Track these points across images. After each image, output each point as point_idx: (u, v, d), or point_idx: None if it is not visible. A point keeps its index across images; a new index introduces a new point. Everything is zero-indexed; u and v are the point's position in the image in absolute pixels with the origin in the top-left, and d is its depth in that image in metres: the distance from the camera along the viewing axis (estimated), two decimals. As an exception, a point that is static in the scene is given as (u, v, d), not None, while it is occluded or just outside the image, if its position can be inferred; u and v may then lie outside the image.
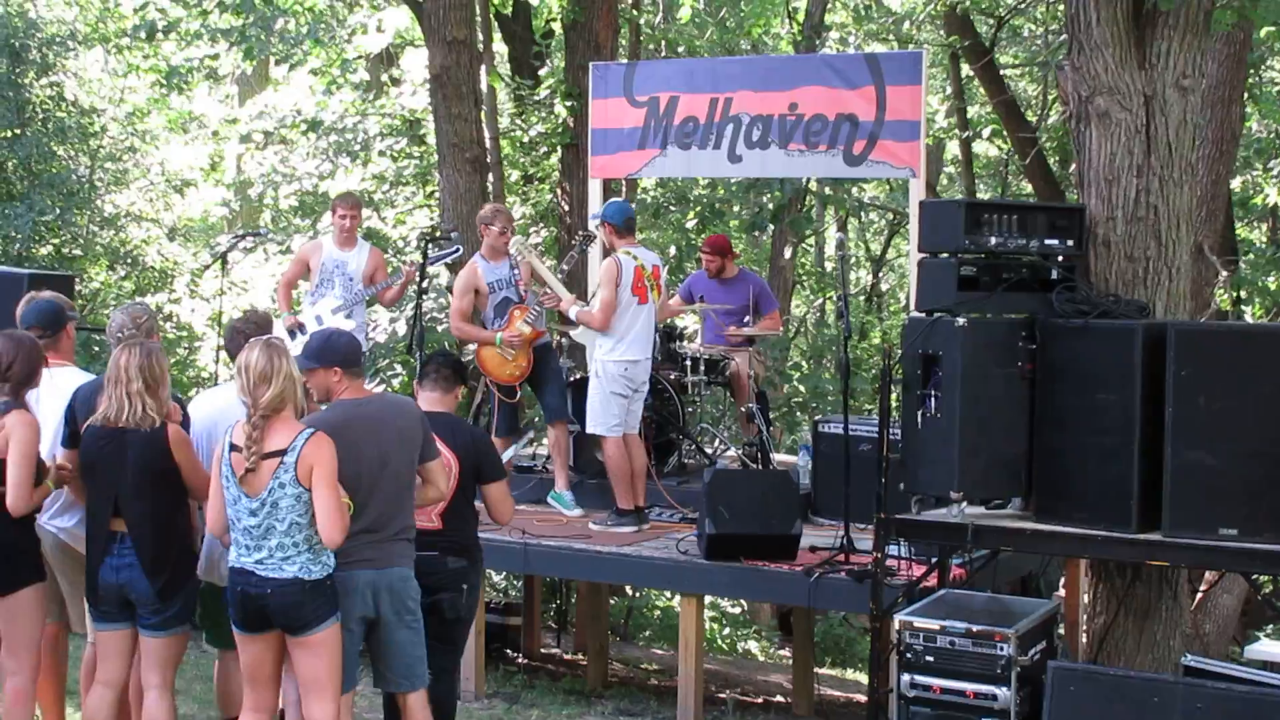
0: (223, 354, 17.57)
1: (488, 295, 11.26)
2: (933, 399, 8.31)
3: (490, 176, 16.68)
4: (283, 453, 6.55)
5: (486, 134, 16.74)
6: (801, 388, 20.02)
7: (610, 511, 10.80)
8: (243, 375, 6.63)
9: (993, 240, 8.45)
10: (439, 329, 15.17)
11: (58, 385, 7.66)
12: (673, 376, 12.06)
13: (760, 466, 11.79)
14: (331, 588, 6.74)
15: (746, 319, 12.43)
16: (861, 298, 27.41)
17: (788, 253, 22.51)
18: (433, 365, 7.91)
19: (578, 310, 10.84)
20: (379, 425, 6.97)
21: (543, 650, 13.89)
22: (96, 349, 15.69)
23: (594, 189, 13.63)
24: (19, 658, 7.31)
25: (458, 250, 12.12)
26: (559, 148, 17.92)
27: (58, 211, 17.71)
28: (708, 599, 13.27)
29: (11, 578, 7.26)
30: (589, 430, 10.91)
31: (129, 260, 19.92)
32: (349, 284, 11.88)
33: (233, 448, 6.64)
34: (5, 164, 17.84)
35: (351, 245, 12.00)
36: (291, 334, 11.69)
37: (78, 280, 16.53)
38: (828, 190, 20.80)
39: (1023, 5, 21.63)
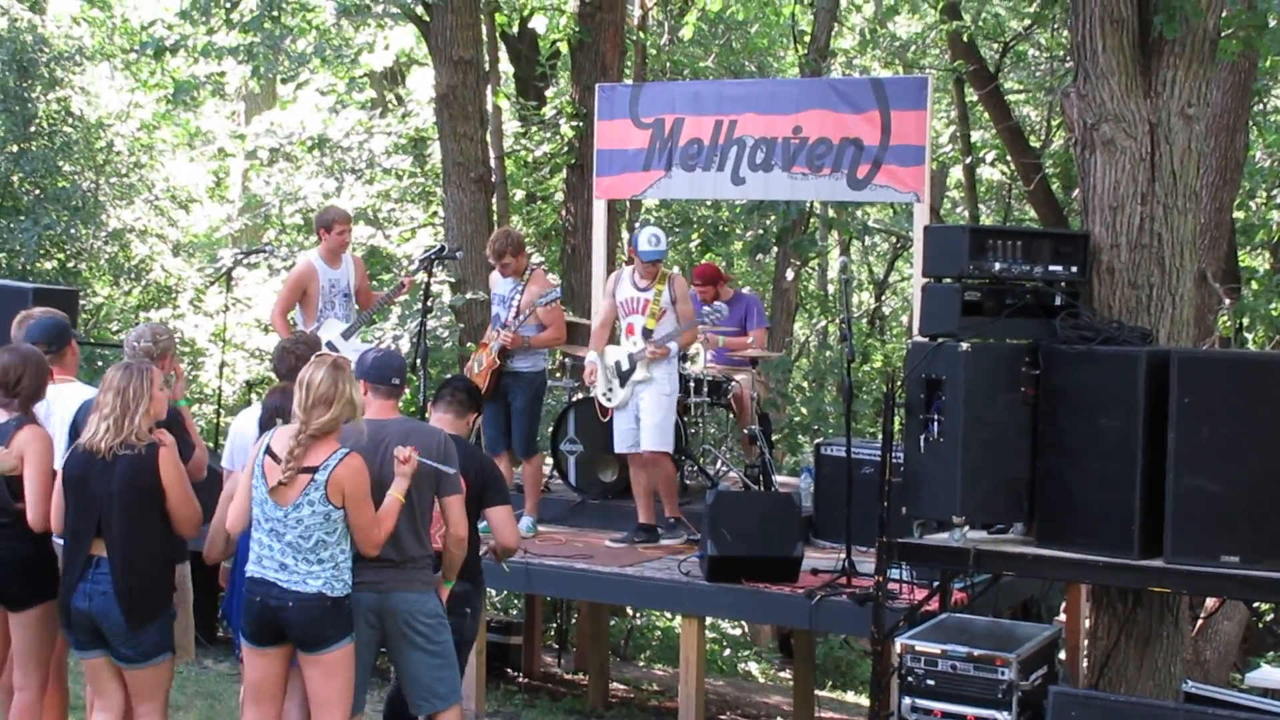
0: (226, 370, 17.70)
1: (493, 306, 11.35)
2: (935, 423, 8.32)
3: (495, 196, 16.71)
4: (314, 470, 6.55)
5: (492, 154, 16.77)
6: (804, 410, 20.02)
7: (661, 525, 10.97)
8: (302, 392, 6.59)
9: (997, 266, 8.46)
10: (444, 347, 15.19)
11: (63, 400, 7.68)
12: (676, 398, 12.08)
13: (762, 488, 11.79)
14: (349, 607, 6.73)
15: (750, 340, 12.45)
16: (864, 321, 27.42)
17: (790, 275, 22.55)
18: (449, 389, 7.85)
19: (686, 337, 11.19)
20: (383, 450, 6.93)
21: (543, 670, 13.90)
22: (100, 364, 15.72)
23: (598, 209, 13.67)
24: (29, 673, 7.30)
25: (442, 248, 12.10)
26: (564, 168, 17.96)
27: (63, 226, 17.74)
28: (708, 620, 13.27)
29: (29, 593, 7.25)
30: (657, 448, 10.79)
31: (133, 275, 19.94)
32: (346, 302, 11.67)
33: (269, 452, 6.63)
34: (11, 178, 17.86)
35: (339, 261, 11.71)
36: None
37: (82, 295, 16.54)
38: (831, 213, 20.84)
39: (1028, 31, 21.68)
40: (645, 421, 10.75)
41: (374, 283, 12.03)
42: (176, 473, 6.93)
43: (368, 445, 6.86)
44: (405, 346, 15.78)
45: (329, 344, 11.36)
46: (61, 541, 7.14)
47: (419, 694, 7.16)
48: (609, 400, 10.96)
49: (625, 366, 10.82)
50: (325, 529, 6.56)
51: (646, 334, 10.81)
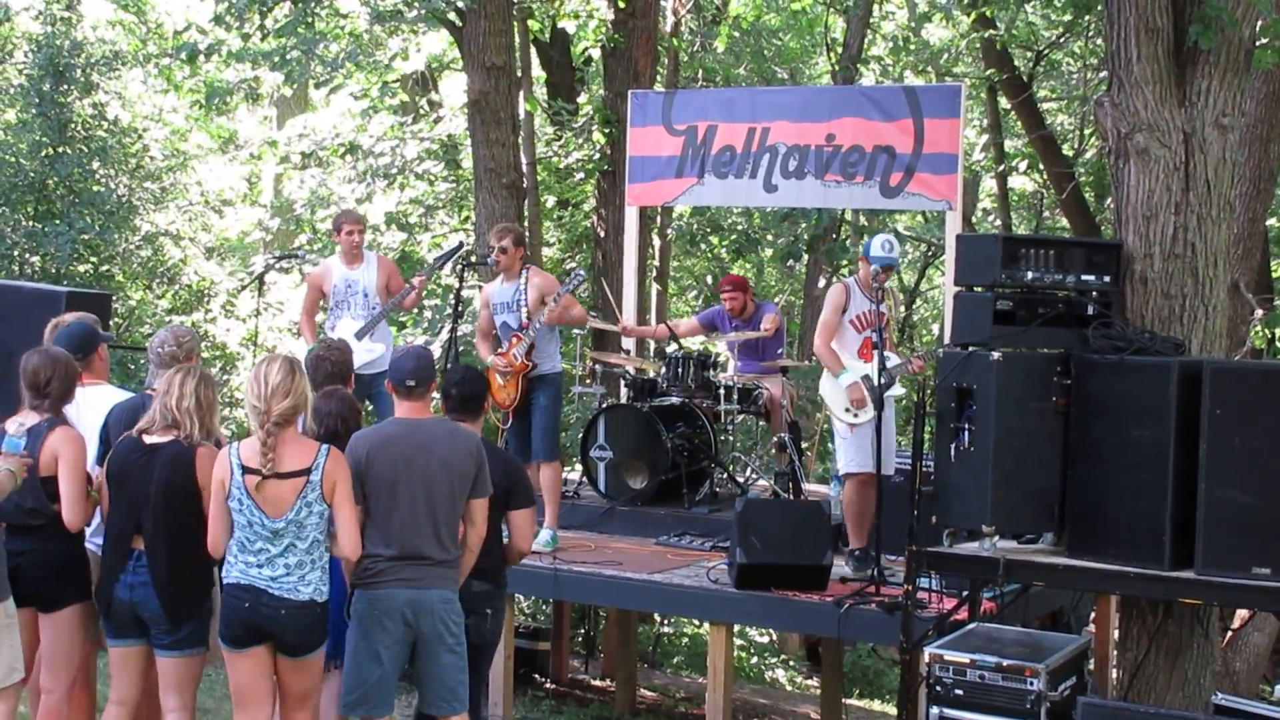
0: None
1: (492, 314, 11.00)
2: (966, 432, 8.30)
3: (526, 202, 16.73)
4: (306, 471, 6.60)
5: (523, 159, 16.79)
6: (834, 418, 19.97)
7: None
8: (259, 385, 6.64)
9: (1029, 275, 8.45)
10: (474, 353, 15.21)
11: (93, 403, 7.71)
12: (706, 405, 12.08)
13: (792, 496, 11.78)
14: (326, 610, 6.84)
15: (779, 350, 12.43)
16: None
17: (821, 282, 22.51)
18: (455, 394, 7.61)
19: None
20: (423, 451, 6.99)
21: (571, 676, 13.89)
22: (133, 367, 15.78)
23: (630, 216, 13.71)
24: (57, 675, 7.33)
25: (459, 245, 12.01)
26: (595, 174, 17.97)
27: (97, 230, 17.82)
28: (737, 627, 13.27)
29: (61, 594, 7.29)
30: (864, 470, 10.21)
31: (166, 279, 20.02)
32: (364, 301, 11.63)
33: (244, 469, 6.64)
34: (46, 182, 17.95)
35: (359, 261, 11.72)
36: None
37: (115, 299, 16.60)
38: (863, 221, 20.82)
39: (1061, 40, 21.63)
40: (889, 442, 10.03)
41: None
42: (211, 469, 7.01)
43: (405, 444, 6.95)
44: (436, 352, 15.84)
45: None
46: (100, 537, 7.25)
47: (441, 695, 7.15)
48: (855, 417, 10.17)
49: (880, 381, 9.82)
50: (320, 528, 6.66)
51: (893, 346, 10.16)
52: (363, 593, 6.95)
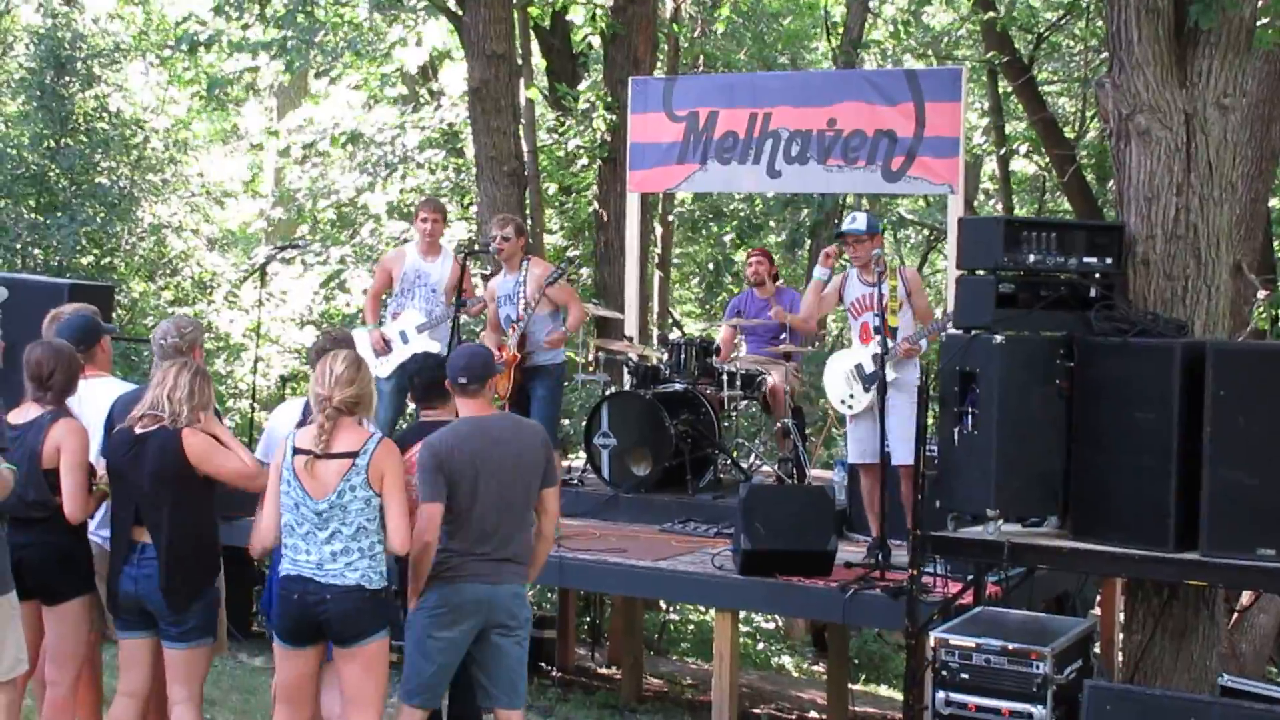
0: (260, 365, 17.75)
1: (497, 306, 11.02)
2: (970, 416, 8.29)
3: (528, 190, 16.71)
4: (354, 454, 6.59)
5: (525, 147, 16.77)
6: (838, 403, 19.96)
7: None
8: (325, 375, 6.67)
9: (1031, 258, 8.42)
10: (477, 342, 15.20)
11: (96, 395, 7.70)
12: (709, 391, 12.07)
13: (796, 482, 11.77)
14: (386, 601, 6.77)
15: (783, 336, 12.41)
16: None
17: (823, 268, 22.49)
18: (417, 382, 7.64)
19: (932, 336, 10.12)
20: (500, 445, 6.99)
21: (577, 663, 13.90)
22: (135, 359, 15.79)
23: (632, 203, 13.70)
24: (62, 667, 7.34)
25: (478, 242, 11.94)
26: (597, 161, 17.96)
27: (99, 222, 17.81)
28: (742, 614, 13.27)
29: (64, 587, 7.29)
30: (910, 461, 9.57)
31: (168, 270, 20.01)
32: (431, 295, 11.49)
33: (297, 451, 6.66)
34: (48, 174, 17.95)
35: (435, 254, 11.57)
36: (376, 354, 11.30)
37: (117, 291, 16.60)
38: (865, 205, 20.81)
39: (1062, 21, 21.59)
40: (900, 432, 9.71)
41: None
42: (205, 447, 6.99)
43: (477, 440, 6.93)
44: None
45: (401, 333, 11.31)
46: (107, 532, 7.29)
47: (503, 689, 7.11)
48: (849, 408, 10.23)
49: (871, 368, 9.85)
50: (366, 515, 6.61)
51: (891, 331, 9.86)
52: (437, 586, 6.91)
